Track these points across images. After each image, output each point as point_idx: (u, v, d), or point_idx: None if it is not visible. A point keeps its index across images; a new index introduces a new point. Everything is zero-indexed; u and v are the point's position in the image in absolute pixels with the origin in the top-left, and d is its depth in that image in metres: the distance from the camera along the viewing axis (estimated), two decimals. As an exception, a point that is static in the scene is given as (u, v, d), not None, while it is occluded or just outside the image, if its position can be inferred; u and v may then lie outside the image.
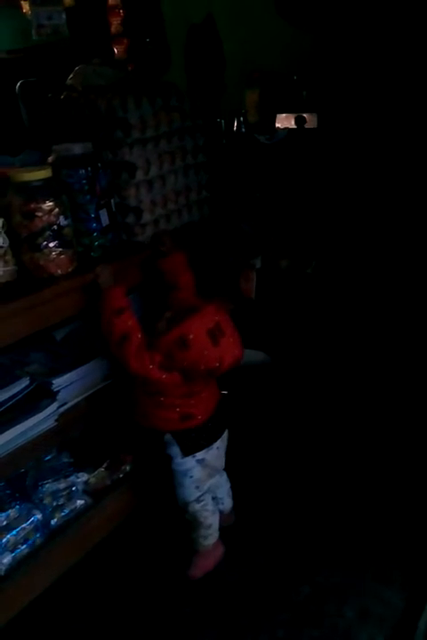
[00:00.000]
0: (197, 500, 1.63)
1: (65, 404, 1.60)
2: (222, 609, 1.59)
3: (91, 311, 1.54)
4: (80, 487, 1.72)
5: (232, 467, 1.75)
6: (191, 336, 1.42)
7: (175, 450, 1.59)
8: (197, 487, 1.62)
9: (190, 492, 1.62)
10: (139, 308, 1.70)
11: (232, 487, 1.78)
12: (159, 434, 1.60)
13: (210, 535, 1.68)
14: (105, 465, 1.79)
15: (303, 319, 2.18)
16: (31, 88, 2.61)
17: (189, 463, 1.60)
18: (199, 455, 1.59)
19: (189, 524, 1.68)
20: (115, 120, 1.66)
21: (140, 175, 1.69)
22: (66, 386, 1.59)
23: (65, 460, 1.75)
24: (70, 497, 1.70)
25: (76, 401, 1.63)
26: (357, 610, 1.53)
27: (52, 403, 1.56)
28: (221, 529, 1.72)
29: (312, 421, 2.17)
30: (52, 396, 1.57)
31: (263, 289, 2.03)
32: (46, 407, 1.55)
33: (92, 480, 1.75)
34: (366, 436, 2.08)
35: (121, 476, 1.81)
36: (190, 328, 1.43)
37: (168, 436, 1.58)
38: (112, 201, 1.66)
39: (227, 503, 1.79)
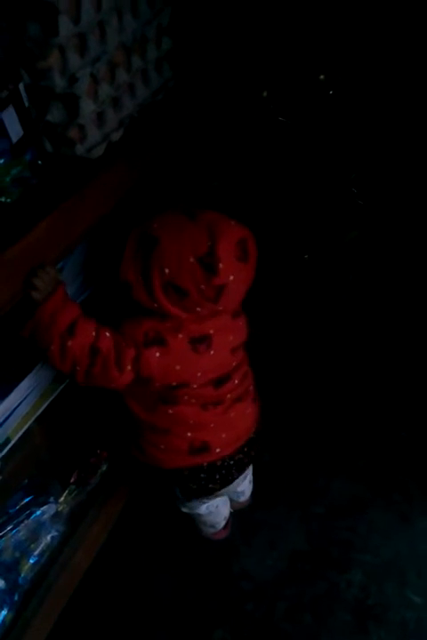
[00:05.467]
0: (213, 526, 1.26)
1: (6, 444, 1.01)
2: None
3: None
4: (47, 519, 1.22)
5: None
6: (155, 224, 0.92)
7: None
8: (213, 525, 1.25)
9: (202, 529, 1.26)
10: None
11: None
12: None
13: (217, 529, 1.31)
14: (73, 479, 1.27)
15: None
16: None
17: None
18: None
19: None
20: None
21: (65, 23, 0.87)
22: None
23: (23, 496, 1.20)
24: (36, 537, 1.20)
25: (18, 436, 1.03)
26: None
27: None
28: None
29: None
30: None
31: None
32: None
33: (62, 506, 1.24)
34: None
35: (98, 481, 1.32)
36: (151, 219, 0.94)
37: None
38: (21, 85, 0.87)
39: (247, 492, 1.36)
